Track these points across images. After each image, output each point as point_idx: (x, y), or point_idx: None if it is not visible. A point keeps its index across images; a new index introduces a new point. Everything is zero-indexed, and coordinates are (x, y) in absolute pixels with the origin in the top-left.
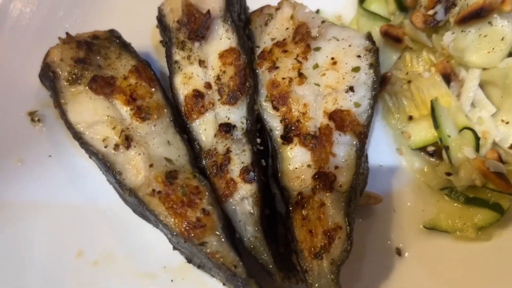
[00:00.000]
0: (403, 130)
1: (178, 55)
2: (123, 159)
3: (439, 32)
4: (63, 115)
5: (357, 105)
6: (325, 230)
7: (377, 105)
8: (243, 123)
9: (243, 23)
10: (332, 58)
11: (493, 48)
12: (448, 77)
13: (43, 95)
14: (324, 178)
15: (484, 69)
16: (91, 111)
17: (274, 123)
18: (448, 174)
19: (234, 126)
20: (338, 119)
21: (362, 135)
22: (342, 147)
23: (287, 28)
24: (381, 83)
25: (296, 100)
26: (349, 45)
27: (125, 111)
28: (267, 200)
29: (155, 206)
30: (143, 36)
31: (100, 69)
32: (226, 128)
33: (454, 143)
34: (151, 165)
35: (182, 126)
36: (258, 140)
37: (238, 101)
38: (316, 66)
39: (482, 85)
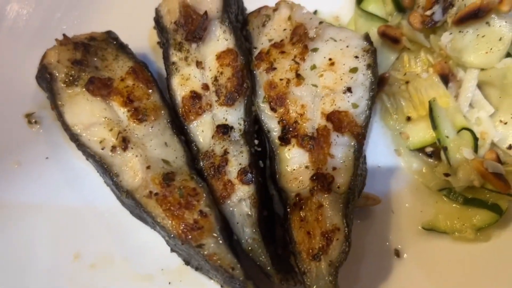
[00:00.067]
0: (401, 131)
1: (175, 56)
2: (120, 161)
3: (437, 33)
4: (60, 116)
5: (355, 106)
6: (323, 232)
7: (375, 106)
8: (240, 125)
9: (241, 24)
10: (330, 59)
11: (491, 49)
12: (446, 78)
13: (40, 96)
14: (322, 180)
15: (482, 69)
16: (88, 113)
17: (272, 124)
18: (447, 175)
19: (232, 128)
20: (336, 120)
21: (360, 136)
22: (340, 148)
23: (284, 29)
24: (379, 84)
25: (294, 101)
26: (347, 46)
27: (122, 112)
28: (265, 202)
29: (152, 208)
30: (140, 38)
31: (97, 71)
32: (223, 130)
33: (452, 143)
34: (148, 167)
35: (179, 127)
36: (256, 142)
37: (236, 102)
38: (313, 67)
39: (480, 86)
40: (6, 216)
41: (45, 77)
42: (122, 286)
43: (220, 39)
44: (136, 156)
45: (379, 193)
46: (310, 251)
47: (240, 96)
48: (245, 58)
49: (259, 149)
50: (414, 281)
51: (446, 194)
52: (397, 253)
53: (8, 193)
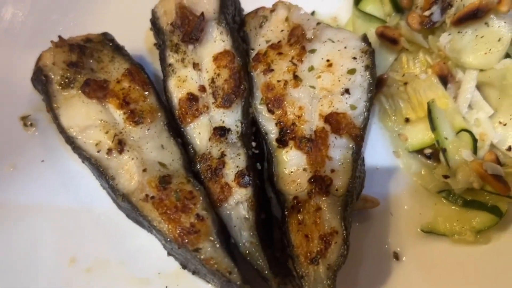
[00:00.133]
0: (400, 132)
1: (172, 58)
2: (116, 164)
3: (435, 33)
4: (56, 119)
5: (353, 107)
6: (321, 235)
7: (374, 107)
8: (238, 127)
9: (238, 25)
10: (328, 60)
11: (490, 49)
12: (445, 79)
13: (35, 99)
14: (320, 182)
15: (481, 70)
16: (83, 115)
17: (269, 126)
18: (446, 176)
19: (229, 130)
20: (334, 122)
21: (358, 138)
22: (338, 150)
23: (282, 30)
24: (377, 85)
25: (292, 103)
26: (345, 47)
27: (118, 115)
28: (263, 204)
29: (148, 211)
30: (137, 39)
31: (93, 73)
32: (220, 132)
33: (451, 145)
34: (144, 170)
35: (176, 130)
36: (253, 144)
37: (233, 104)
38: (311, 69)
39: (479, 87)
40: (0, 220)
41: (40, 79)
42: None
43: (217, 41)
44: (132, 159)
45: (377, 195)
46: (308, 254)
47: (237, 98)
48: (242, 59)
49: (257, 151)
50: (414, 284)
51: (445, 196)
52: (396, 256)
53: (2, 196)
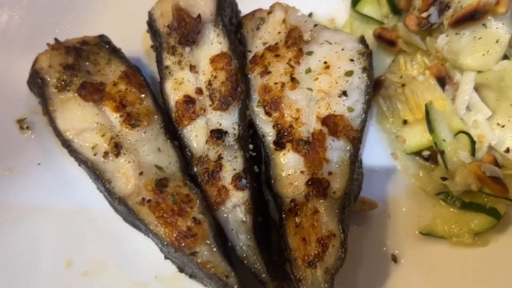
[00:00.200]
0: (398, 134)
1: (168, 60)
2: (113, 167)
3: (433, 35)
4: (52, 122)
5: (350, 109)
6: (318, 238)
7: (371, 109)
8: (235, 129)
9: (235, 28)
10: (325, 62)
11: (488, 51)
12: (442, 80)
13: (32, 102)
14: (317, 184)
15: (479, 72)
16: (80, 118)
17: (267, 128)
18: (444, 178)
19: (226, 132)
20: (331, 124)
21: (356, 140)
22: (336, 152)
23: (279, 32)
24: (375, 87)
25: (289, 105)
26: (342, 49)
27: (114, 118)
28: (260, 207)
29: (145, 215)
30: (133, 41)
31: (89, 75)
32: (217, 134)
33: (449, 147)
34: (141, 173)
35: (173, 132)
36: (251, 146)
37: (230, 106)
38: (308, 71)
39: (477, 88)
40: None
41: (36, 82)
42: None
43: (213, 43)
44: (129, 162)
45: (375, 197)
46: (306, 257)
47: (234, 100)
48: (239, 61)
49: (254, 154)
50: (412, 286)
51: (443, 198)
52: (394, 259)
53: None
